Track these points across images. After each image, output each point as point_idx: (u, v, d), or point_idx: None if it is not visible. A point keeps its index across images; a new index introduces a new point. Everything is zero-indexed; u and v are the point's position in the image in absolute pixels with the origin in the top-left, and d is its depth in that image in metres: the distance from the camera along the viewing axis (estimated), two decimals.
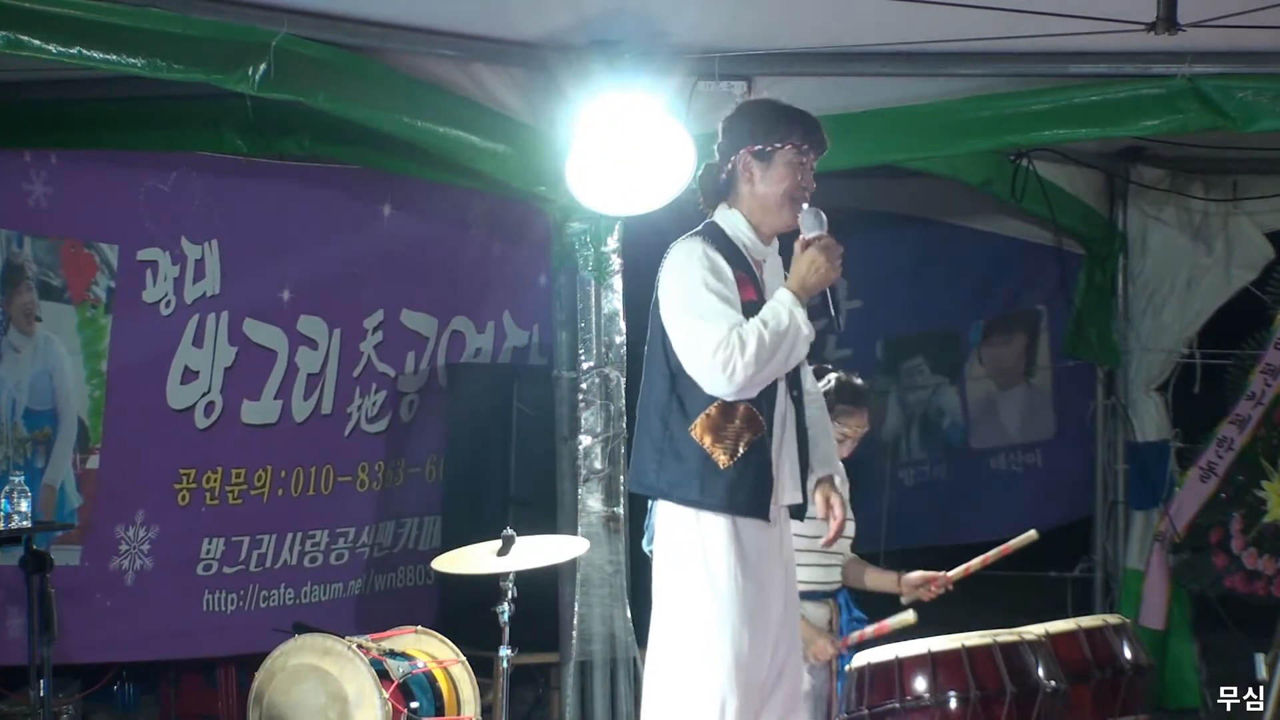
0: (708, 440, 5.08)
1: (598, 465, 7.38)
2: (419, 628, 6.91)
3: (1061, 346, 10.42)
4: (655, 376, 5.18)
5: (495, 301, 9.10)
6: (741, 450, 5.09)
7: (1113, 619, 6.25)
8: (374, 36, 6.75)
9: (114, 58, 5.99)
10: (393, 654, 6.61)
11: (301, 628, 6.69)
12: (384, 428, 8.67)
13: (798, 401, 5.28)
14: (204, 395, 7.98)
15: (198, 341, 7.93)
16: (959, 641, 5.66)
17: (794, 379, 5.26)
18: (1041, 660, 5.68)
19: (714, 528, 5.10)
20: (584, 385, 7.41)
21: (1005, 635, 5.69)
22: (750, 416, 5.11)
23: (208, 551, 8.09)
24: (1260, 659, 6.82)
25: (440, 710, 6.61)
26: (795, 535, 5.45)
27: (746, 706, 5.09)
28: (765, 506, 5.17)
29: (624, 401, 7.38)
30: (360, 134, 7.37)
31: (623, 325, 7.42)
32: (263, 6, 6.33)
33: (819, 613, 6.32)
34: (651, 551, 5.27)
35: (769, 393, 5.16)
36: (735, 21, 6.93)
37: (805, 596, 6.13)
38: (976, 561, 6.25)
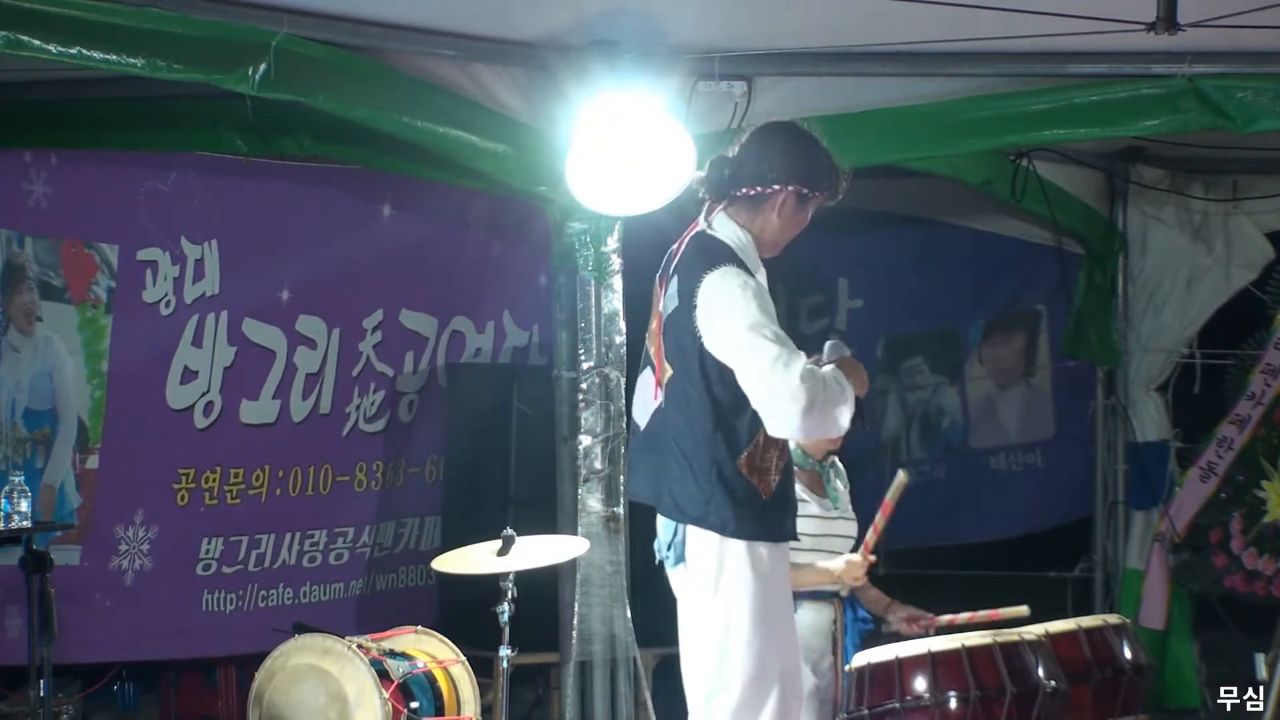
0: (756, 476, 5.12)
1: (598, 465, 7.37)
2: (419, 628, 6.91)
3: (1061, 346, 10.41)
4: (692, 404, 5.14)
5: (495, 301, 9.09)
6: (776, 479, 5.16)
7: (1113, 619, 6.24)
8: (374, 36, 6.75)
9: (114, 58, 5.99)
10: (393, 654, 6.61)
11: (301, 628, 6.69)
12: (382, 427, 8.67)
13: None
14: (203, 395, 7.98)
15: (197, 341, 7.93)
16: (959, 641, 5.65)
17: None
18: (1041, 660, 5.67)
19: (763, 552, 5.15)
20: (584, 385, 7.40)
21: (1005, 635, 5.69)
22: (781, 444, 5.19)
23: (207, 551, 8.09)
24: (1260, 659, 6.82)
25: (440, 710, 6.60)
26: (800, 534, 5.47)
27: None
28: (795, 526, 5.32)
29: (624, 401, 7.37)
30: (360, 134, 7.37)
31: (623, 325, 7.41)
32: (263, 6, 6.32)
33: (823, 613, 6.28)
34: (666, 560, 5.28)
35: None
36: (735, 21, 6.93)
37: (809, 596, 6.14)
38: (964, 616, 6.26)
